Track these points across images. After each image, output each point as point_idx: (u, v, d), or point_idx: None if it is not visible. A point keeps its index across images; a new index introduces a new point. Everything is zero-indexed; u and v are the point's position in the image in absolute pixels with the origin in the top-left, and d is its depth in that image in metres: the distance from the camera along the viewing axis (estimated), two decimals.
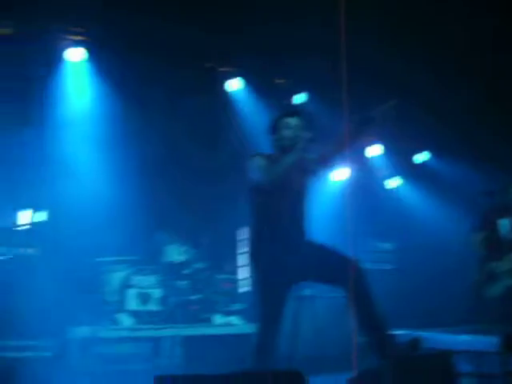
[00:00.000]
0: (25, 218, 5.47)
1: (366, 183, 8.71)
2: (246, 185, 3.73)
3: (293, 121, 3.77)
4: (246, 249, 3.81)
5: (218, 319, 6.22)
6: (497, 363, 3.72)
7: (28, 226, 5.40)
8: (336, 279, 3.52)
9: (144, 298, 5.86)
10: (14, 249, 5.10)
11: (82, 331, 5.30)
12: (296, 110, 3.96)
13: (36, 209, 5.42)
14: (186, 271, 6.41)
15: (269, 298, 3.57)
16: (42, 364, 4.71)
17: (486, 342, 3.76)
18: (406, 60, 6.59)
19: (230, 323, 6.19)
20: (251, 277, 3.76)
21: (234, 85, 7.34)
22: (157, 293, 5.94)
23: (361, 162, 8.65)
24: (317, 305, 5.40)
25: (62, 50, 6.27)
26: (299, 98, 7.63)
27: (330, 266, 3.52)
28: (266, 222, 3.64)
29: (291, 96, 7.65)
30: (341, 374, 3.11)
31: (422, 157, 8.89)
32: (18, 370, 4.36)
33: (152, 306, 5.87)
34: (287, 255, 3.52)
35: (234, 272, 7.70)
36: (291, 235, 3.58)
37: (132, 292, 5.85)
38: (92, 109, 6.44)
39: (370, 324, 3.43)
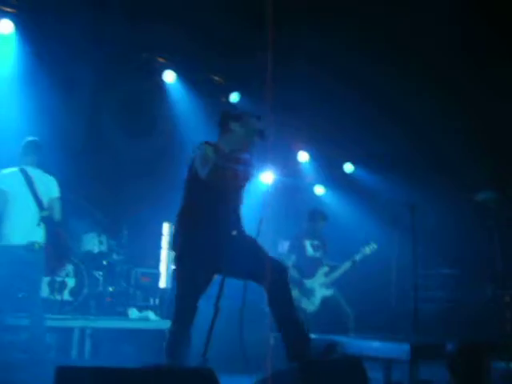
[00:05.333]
0: None
1: (293, 187, 8.81)
2: (188, 171, 3.59)
3: (255, 123, 3.67)
4: (172, 238, 3.69)
5: (134, 313, 6.07)
6: (406, 371, 3.81)
7: None
8: (258, 277, 3.48)
9: (56, 287, 5.64)
10: None
11: None
12: (259, 115, 3.80)
13: None
14: (103, 262, 6.23)
15: (189, 290, 3.50)
16: None
17: (396, 349, 3.83)
18: (338, 72, 6.73)
19: (145, 318, 6.05)
20: (175, 266, 3.62)
21: (170, 77, 7.20)
22: (70, 282, 5.75)
23: (291, 167, 8.75)
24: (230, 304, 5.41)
25: None
26: (233, 98, 7.59)
27: (255, 263, 3.47)
28: (196, 211, 3.55)
29: (225, 94, 7.60)
30: (252, 375, 3.07)
31: (348, 167, 9.08)
32: None
33: (64, 295, 5.67)
34: (212, 246, 3.46)
35: (155, 266, 7.58)
36: (224, 228, 3.51)
37: (44, 279, 5.60)
38: (18, 82, 6.14)
39: (287, 325, 3.41)
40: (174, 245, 3.63)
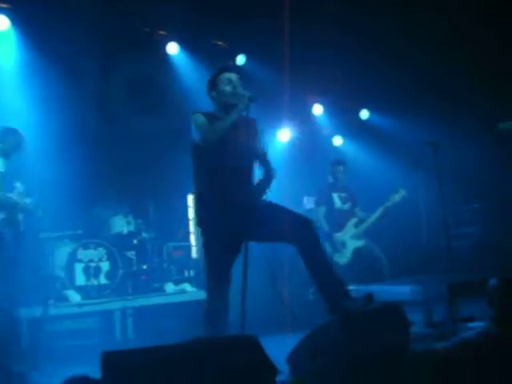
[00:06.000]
0: None
1: (311, 142, 8.74)
2: (189, 143, 3.63)
3: (233, 76, 3.70)
4: (194, 212, 3.75)
5: (170, 287, 6.15)
6: (445, 311, 3.81)
7: None
8: (287, 236, 3.47)
9: (92, 272, 5.74)
10: None
11: (32, 310, 5.15)
12: (235, 66, 3.87)
13: None
14: (133, 241, 6.30)
15: (216, 260, 3.52)
16: None
17: (433, 289, 3.83)
18: (347, 25, 6.60)
19: (182, 291, 6.14)
20: (200, 240, 3.66)
21: (173, 49, 7.12)
22: (105, 266, 5.83)
23: (306, 121, 8.67)
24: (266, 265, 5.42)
25: None
26: (239, 60, 7.47)
27: (281, 224, 3.44)
28: (210, 182, 3.55)
29: (232, 58, 7.49)
30: (293, 333, 3.09)
31: (364, 113, 8.93)
32: None
33: (101, 280, 5.76)
34: (233, 215, 3.44)
35: (186, 239, 7.63)
36: (237, 194, 3.49)
37: (79, 267, 5.71)
38: (22, 77, 6.13)
39: (325, 280, 3.40)
40: (198, 220, 3.66)
